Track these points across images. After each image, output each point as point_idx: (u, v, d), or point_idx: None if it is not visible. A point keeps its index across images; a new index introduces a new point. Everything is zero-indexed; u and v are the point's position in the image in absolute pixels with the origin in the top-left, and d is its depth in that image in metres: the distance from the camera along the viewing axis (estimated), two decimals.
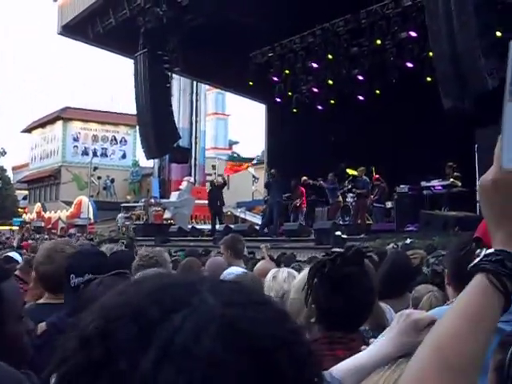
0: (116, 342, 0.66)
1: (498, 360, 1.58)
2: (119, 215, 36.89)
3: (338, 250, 2.73)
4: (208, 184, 29.50)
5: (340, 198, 21.67)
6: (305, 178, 22.47)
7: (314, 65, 24.30)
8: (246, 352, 0.65)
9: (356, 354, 2.46)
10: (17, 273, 5.49)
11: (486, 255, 1.13)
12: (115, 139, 62.64)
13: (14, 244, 25.01)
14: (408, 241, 9.77)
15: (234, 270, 4.93)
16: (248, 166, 54.33)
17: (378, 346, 2.00)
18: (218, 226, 23.32)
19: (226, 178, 36.38)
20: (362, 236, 16.90)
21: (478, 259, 1.14)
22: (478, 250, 1.16)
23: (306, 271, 3.49)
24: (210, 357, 0.65)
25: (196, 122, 48.25)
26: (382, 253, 6.51)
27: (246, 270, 4.61)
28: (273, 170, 23.00)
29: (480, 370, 1.07)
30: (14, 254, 7.43)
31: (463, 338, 1.05)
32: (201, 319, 0.68)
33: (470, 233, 3.34)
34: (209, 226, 30.76)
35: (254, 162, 59.98)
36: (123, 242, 14.63)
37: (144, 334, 0.66)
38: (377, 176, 21.00)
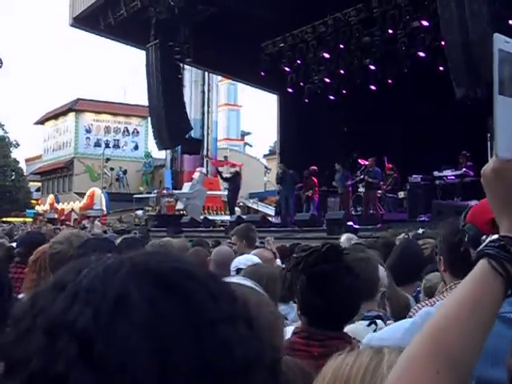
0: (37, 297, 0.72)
1: None
2: (139, 212, 37.22)
3: (316, 245, 2.69)
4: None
5: (349, 188, 21.59)
6: (314, 167, 22.39)
7: (326, 55, 24.23)
8: (153, 286, 0.69)
9: (331, 353, 2.41)
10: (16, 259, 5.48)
11: (490, 241, 1.14)
12: (127, 130, 62.66)
13: None
14: (420, 230, 9.73)
15: (250, 259, 4.88)
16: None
17: None
18: (228, 217, 23.46)
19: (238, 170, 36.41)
20: (374, 226, 16.88)
21: (482, 245, 1.15)
22: (484, 237, 1.18)
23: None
24: (118, 292, 0.68)
25: (208, 112, 48.21)
26: (389, 243, 6.52)
27: (259, 261, 4.55)
28: (281, 166, 23.13)
29: (480, 354, 1.07)
30: None
31: (462, 323, 1.05)
32: (111, 263, 0.74)
33: (457, 217, 3.35)
34: (221, 217, 30.86)
35: (267, 152, 59.97)
36: (136, 233, 14.70)
37: (60, 285, 0.72)
38: (390, 166, 20.96)
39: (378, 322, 2.97)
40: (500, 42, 1.14)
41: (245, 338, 0.71)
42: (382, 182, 20.57)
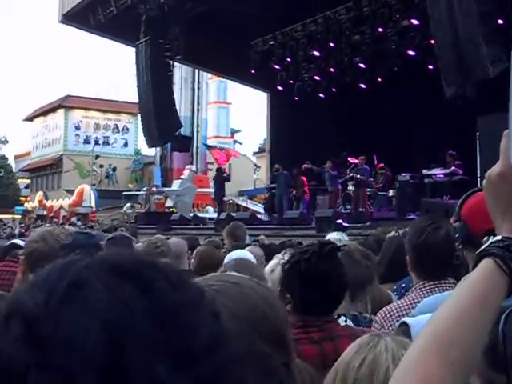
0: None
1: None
2: (127, 205, 37.10)
3: (310, 244, 2.80)
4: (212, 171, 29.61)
5: (339, 186, 21.66)
6: (305, 165, 22.44)
7: (316, 53, 24.24)
8: (111, 274, 0.72)
9: (330, 334, 2.56)
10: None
11: (493, 242, 1.18)
12: (117, 127, 62.55)
13: (16, 232, 25.03)
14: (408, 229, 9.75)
15: (243, 254, 4.97)
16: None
17: None
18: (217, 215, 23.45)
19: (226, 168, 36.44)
20: (363, 224, 16.91)
21: (485, 245, 1.18)
22: (486, 238, 1.21)
23: (275, 261, 3.58)
24: (73, 279, 0.71)
25: (198, 110, 48.25)
26: (380, 240, 6.55)
27: (247, 257, 4.61)
28: (277, 165, 23.13)
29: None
30: (19, 241, 7.47)
31: (467, 320, 1.08)
32: (73, 257, 0.77)
33: (425, 217, 3.39)
34: (211, 215, 30.84)
35: (256, 150, 59.96)
36: (122, 230, 14.63)
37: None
38: (382, 164, 21.00)
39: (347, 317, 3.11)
40: None
41: (206, 322, 0.73)
42: (371, 179, 20.62)
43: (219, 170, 26.33)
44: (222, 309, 1.53)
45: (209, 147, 46.99)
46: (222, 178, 24.87)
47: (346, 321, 3.02)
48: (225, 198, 27.82)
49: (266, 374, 1.49)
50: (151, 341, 0.67)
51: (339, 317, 2.98)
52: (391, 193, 20.45)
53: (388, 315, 3.16)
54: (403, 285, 4.24)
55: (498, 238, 1.18)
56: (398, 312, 3.13)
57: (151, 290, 0.71)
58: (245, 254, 4.97)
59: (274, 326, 1.52)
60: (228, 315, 1.49)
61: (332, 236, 7.21)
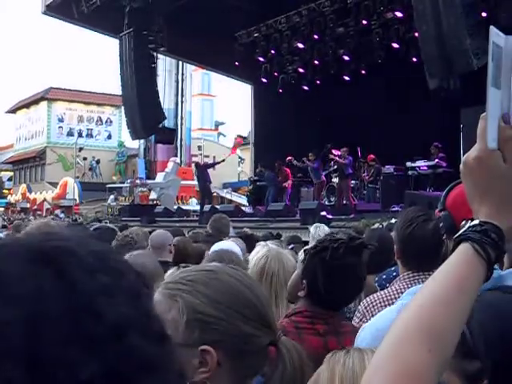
0: None
1: None
2: (110, 197, 37.04)
3: (340, 236, 2.78)
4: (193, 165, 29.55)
5: (323, 178, 21.70)
6: (290, 157, 22.50)
7: (300, 45, 24.25)
8: (28, 262, 0.73)
9: (335, 329, 2.58)
10: None
11: (470, 226, 1.17)
12: (100, 120, 62.37)
13: None
14: (393, 220, 9.79)
15: (227, 245, 5.03)
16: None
17: None
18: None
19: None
20: (347, 216, 16.95)
21: (462, 229, 1.18)
22: (463, 222, 1.20)
23: (259, 248, 3.58)
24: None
25: (182, 102, 48.16)
26: (359, 232, 6.60)
27: (233, 249, 4.65)
28: (259, 167, 23.44)
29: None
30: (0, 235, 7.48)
31: (445, 303, 1.07)
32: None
33: (414, 208, 3.40)
34: (195, 207, 30.81)
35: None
36: (106, 222, 14.61)
37: None
38: (372, 156, 21.03)
39: None
40: (493, 34, 1.16)
41: (117, 307, 0.74)
42: (350, 171, 20.60)
43: (197, 165, 25.90)
44: (201, 297, 1.52)
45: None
46: (204, 169, 24.61)
47: None
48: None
49: (255, 354, 1.52)
50: (64, 328, 0.69)
51: None
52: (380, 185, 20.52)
53: (371, 305, 3.17)
54: (384, 276, 4.26)
55: (476, 222, 1.17)
56: (381, 302, 3.14)
57: (67, 278, 0.73)
58: (230, 245, 5.00)
59: (256, 307, 1.54)
60: (208, 302, 1.50)
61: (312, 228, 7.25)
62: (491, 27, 1.16)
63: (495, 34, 1.16)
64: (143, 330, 0.76)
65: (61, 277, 0.72)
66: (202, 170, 24.05)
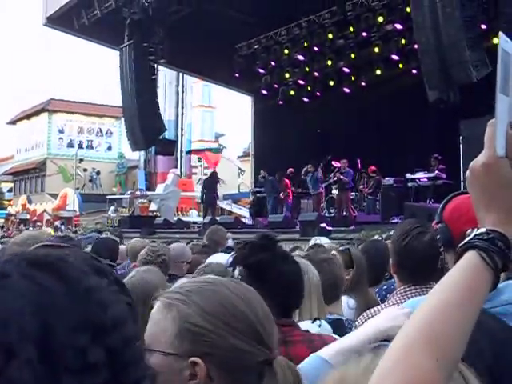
0: None
1: None
2: (111, 208, 37.04)
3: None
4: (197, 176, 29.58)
5: (321, 190, 21.65)
6: (291, 169, 22.52)
7: (300, 57, 24.33)
8: (29, 267, 0.83)
9: (285, 339, 2.38)
10: None
11: (477, 234, 1.16)
12: (101, 131, 62.35)
13: None
14: (392, 232, 9.79)
15: (216, 258, 5.02)
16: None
17: (363, 329, 2.02)
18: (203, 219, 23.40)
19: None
20: (347, 228, 16.92)
21: (468, 238, 1.17)
22: (469, 230, 1.19)
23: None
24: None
25: (182, 114, 48.27)
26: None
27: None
28: (262, 172, 23.28)
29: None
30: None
31: (453, 312, 1.07)
32: None
33: (410, 221, 3.37)
34: (195, 219, 30.78)
35: (241, 154, 59.95)
36: (107, 234, 14.61)
37: None
38: (374, 168, 21.01)
39: (322, 322, 2.98)
40: (502, 41, 1.16)
41: (113, 303, 0.86)
42: (352, 184, 20.61)
43: (213, 175, 26.04)
44: (194, 307, 1.52)
45: (197, 151, 46.75)
46: (215, 182, 24.73)
47: (320, 325, 2.90)
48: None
49: (248, 371, 1.48)
50: (73, 318, 0.79)
51: (314, 321, 2.93)
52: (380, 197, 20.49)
53: (368, 320, 3.14)
54: (385, 287, 4.24)
55: (482, 230, 1.16)
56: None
57: (65, 278, 0.83)
58: (225, 258, 4.98)
59: (250, 322, 1.51)
60: (200, 313, 1.48)
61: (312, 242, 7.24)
62: (500, 33, 1.16)
63: (504, 41, 1.16)
64: (134, 319, 0.89)
65: (58, 277, 0.82)
66: (214, 182, 24.17)
